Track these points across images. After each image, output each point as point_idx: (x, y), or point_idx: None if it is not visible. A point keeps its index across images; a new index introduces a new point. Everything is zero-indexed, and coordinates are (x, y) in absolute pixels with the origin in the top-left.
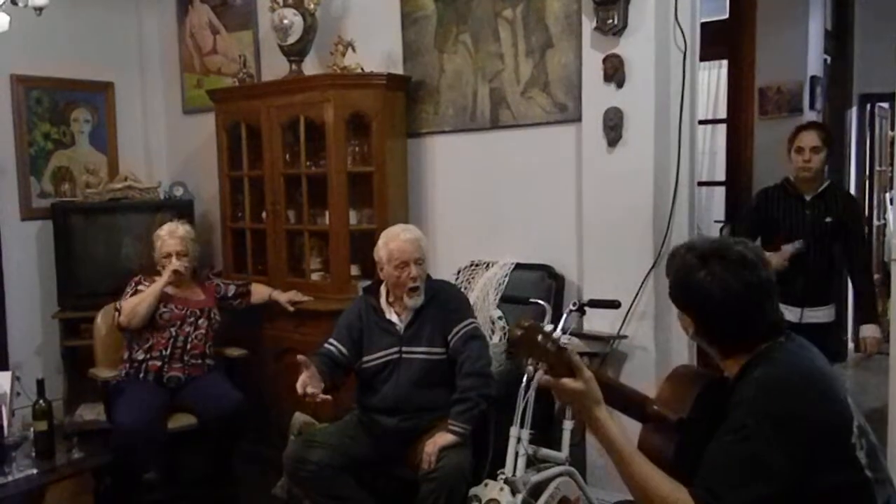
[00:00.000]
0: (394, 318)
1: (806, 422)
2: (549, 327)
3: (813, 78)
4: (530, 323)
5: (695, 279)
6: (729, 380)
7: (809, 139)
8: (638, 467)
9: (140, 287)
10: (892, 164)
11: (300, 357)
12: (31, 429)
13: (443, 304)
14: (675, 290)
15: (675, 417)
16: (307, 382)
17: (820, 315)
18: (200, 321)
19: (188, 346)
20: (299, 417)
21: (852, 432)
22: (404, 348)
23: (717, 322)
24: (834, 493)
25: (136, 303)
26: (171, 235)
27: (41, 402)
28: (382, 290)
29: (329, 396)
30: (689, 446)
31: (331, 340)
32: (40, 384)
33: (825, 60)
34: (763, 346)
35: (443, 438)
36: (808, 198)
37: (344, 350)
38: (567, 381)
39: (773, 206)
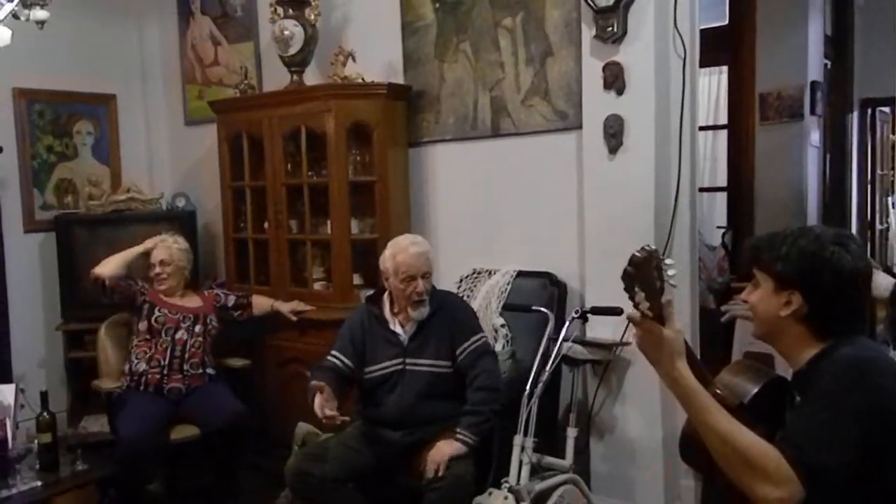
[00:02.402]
0: (398, 329)
1: (888, 403)
2: (669, 261)
3: (813, 83)
4: (654, 250)
5: (826, 253)
6: (791, 380)
7: None
8: (722, 416)
9: (140, 288)
10: (893, 168)
11: (315, 383)
12: (35, 441)
13: (449, 316)
14: (798, 262)
15: (736, 401)
16: (324, 405)
17: None
18: (196, 327)
19: (186, 355)
20: (303, 427)
21: None
22: (408, 360)
23: (832, 298)
24: None
25: (113, 256)
26: (161, 245)
27: (45, 414)
28: (386, 299)
29: (347, 418)
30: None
31: (334, 353)
32: (44, 396)
33: (825, 65)
34: (842, 337)
35: (449, 447)
36: None
37: (348, 362)
38: (659, 326)
39: None
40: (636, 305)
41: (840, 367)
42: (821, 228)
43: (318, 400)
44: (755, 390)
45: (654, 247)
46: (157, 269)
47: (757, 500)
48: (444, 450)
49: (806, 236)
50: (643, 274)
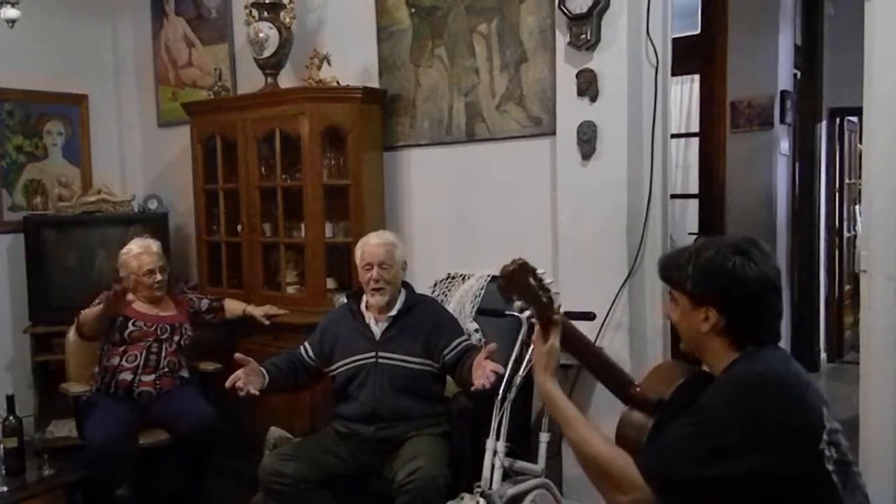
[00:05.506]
0: (371, 322)
1: (768, 422)
2: (541, 272)
3: (783, 92)
4: (523, 262)
5: (728, 265)
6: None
7: None
8: (580, 426)
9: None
10: (860, 177)
11: (237, 355)
12: (1, 446)
13: (428, 317)
14: (704, 279)
15: (655, 398)
16: (239, 377)
17: None
18: (174, 336)
19: (163, 353)
20: (275, 432)
21: (821, 440)
22: (381, 353)
23: (745, 308)
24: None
25: (88, 311)
26: (147, 252)
27: (11, 418)
28: (364, 296)
29: (257, 392)
30: (662, 427)
31: (305, 343)
32: (10, 400)
33: (795, 75)
34: (752, 348)
35: (492, 364)
36: None
37: (311, 353)
38: (539, 341)
39: None
40: (525, 311)
41: (727, 386)
42: (721, 240)
43: (237, 371)
44: (673, 387)
45: (523, 261)
46: (158, 277)
47: None
48: (490, 365)
49: (707, 251)
50: (517, 284)
